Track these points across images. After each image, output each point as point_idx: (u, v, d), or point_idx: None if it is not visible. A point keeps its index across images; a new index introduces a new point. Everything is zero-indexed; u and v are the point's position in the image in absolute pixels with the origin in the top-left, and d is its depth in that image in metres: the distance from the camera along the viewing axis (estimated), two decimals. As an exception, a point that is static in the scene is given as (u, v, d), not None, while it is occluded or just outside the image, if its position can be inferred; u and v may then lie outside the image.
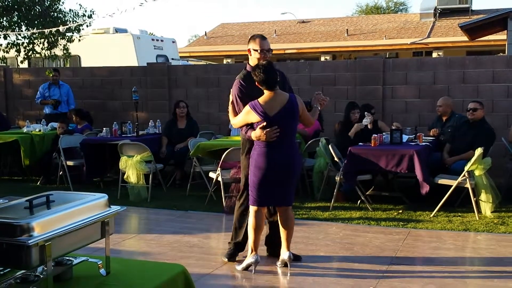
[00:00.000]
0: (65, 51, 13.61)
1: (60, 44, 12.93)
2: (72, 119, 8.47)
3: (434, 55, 19.74)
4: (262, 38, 4.23)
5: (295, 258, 4.23)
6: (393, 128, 6.48)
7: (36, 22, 12.51)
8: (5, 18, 12.62)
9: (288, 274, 4.06)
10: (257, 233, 4.09)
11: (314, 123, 5.12)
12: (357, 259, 4.44)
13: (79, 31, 13.65)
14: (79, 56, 15.60)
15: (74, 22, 13.12)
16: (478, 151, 5.51)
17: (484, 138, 6.04)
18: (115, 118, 8.79)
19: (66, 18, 13.33)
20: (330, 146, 6.26)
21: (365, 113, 6.66)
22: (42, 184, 7.91)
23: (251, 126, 4.04)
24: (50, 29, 11.68)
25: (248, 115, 4.00)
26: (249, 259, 4.10)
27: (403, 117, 7.77)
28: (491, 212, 5.64)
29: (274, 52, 4.37)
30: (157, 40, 16.74)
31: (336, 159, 6.21)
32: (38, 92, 9.15)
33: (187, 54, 22.68)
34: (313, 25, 26.37)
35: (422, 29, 23.06)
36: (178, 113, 7.77)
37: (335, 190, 6.21)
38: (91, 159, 7.39)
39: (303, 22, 27.08)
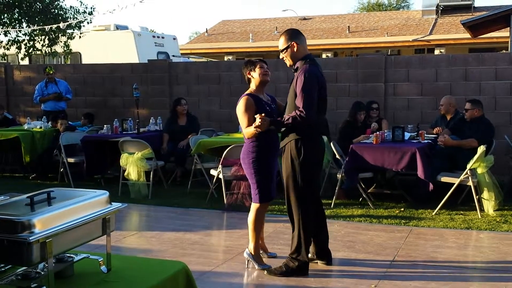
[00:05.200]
0: (65, 48, 13.60)
1: (61, 41, 12.93)
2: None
3: (436, 52, 19.69)
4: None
5: (249, 260, 4.12)
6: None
7: (36, 19, 12.52)
8: (6, 15, 12.62)
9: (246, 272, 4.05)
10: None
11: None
12: (359, 257, 4.42)
13: (79, 28, 13.65)
14: (79, 53, 15.59)
15: (75, 19, 13.11)
16: (481, 148, 5.47)
17: (483, 130, 6.01)
18: (116, 115, 8.78)
19: (66, 15, 13.33)
20: (331, 143, 6.24)
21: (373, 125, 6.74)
22: (33, 179, 7.95)
23: None
24: (51, 26, 11.66)
25: None
26: None
27: (405, 115, 7.74)
28: (494, 210, 5.62)
29: (275, 49, 4.32)
30: (158, 37, 16.72)
31: (337, 156, 6.19)
32: (36, 91, 8.97)
33: (188, 51, 22.64)
34: (315, 22, 26.30)
35: (424, 26, 23.01)
36: (180, 110, 7.74)
37: (337, 188, 6.19)
38: (91, 156, 7.37)
39: (304, 19, 27.01)
